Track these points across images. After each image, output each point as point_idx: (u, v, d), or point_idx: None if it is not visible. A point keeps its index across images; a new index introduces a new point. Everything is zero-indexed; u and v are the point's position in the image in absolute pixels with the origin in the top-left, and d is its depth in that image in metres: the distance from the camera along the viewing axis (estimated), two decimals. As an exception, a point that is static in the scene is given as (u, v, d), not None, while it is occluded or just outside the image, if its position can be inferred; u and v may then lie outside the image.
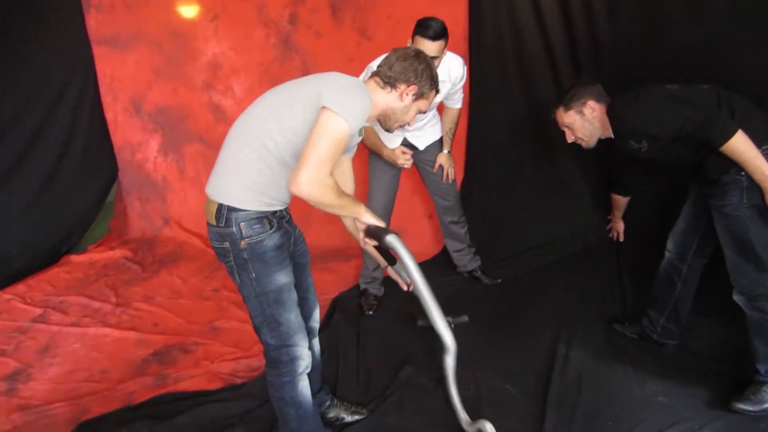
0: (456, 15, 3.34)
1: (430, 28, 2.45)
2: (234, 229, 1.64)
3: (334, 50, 3.83)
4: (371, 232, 1.75)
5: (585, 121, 2.31)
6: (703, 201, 2.20)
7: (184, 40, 4.04)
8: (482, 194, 3.53)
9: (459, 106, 2.95)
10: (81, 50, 4.05)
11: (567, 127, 2.37)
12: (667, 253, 2.44)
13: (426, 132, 2.94)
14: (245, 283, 1.71)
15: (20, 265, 3.67)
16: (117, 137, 4.30)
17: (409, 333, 2.65)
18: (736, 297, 2.14)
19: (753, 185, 1.95)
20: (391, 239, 1.67)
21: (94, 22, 4.02)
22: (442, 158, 3.02)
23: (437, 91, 1.85)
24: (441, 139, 3.01)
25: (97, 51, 4.09)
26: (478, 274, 3.27)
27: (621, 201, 2.82)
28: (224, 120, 4.02)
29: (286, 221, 1.79)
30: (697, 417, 2.07)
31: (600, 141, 2.36)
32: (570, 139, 2.39)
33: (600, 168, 3.20)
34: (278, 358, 1.76)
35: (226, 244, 1.67)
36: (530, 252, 3.39)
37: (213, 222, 1.68)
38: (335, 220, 3.73)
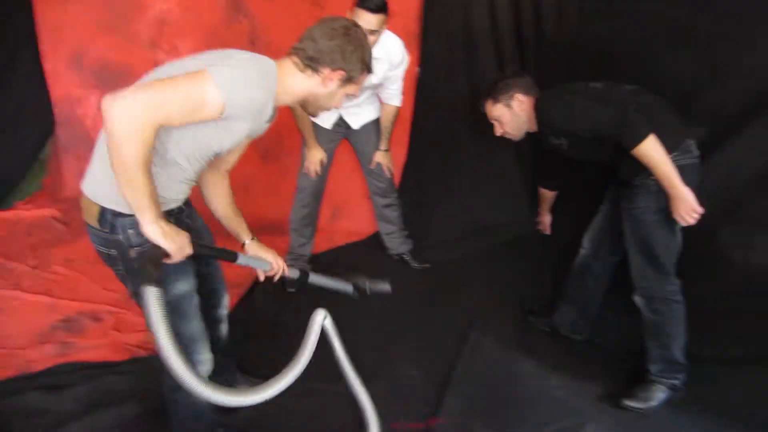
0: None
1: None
2: (121, 236, 1.43)
3: (284, 16, 3.71)
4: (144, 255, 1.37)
5: (512, 115, 2.32)
6: (618, 202, 2.25)
7: (131, -10, 3.85)
8: (420, 179, 3.56)
9: (397, 103, 2.93)
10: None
11: (495, 119, 2.37)
12: (581, 250, 2.50)
13: (363, 110, 2.91)
14: (139, 294, 1.34)
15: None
16: (55, 90, 4.10)
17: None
18: (635, 298, 2.22)
19: (661, 190, 1.99)
20: (146, 289, 1.28)
21: (33, -34, 3.79)
22: (380, 156, 3.04)
23: (370, 73, 1.62)
24: (377, 120, 2.99)
25: (36, -5, 3.86)
26: (408, 257, 3.30)
27: (548, 195, 2.87)
28: None
29: (185, 216, 1.64)
30: (586, 411, 2.16)
31: (531, 134, 2.37)
32: (498, 132, 2.40)
33: (533, 162, 3.24)
34: None
35: (114, 252, 1.47)
36: (461, 239, 3.43)
37: (96, 225, 1.46)
38: (275, 192, 3.74)
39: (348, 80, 1.55)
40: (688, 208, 1.96)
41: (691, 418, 2.11)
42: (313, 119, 2.74)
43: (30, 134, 4.12)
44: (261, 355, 2.42)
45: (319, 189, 2.98)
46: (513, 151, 3.33)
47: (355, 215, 3.71)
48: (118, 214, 1.44)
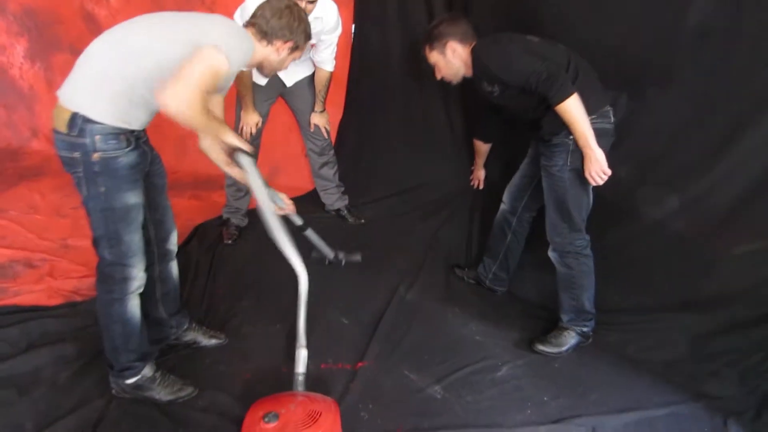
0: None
1: None
2: (87, 140, 1.62)
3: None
4: (231, 152, 1.83)
5: (447, 62, 2.37)
6: (537, 160, 2.37)
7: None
8: (356, 137, 3.63)
9: (330, 68, 3.00)
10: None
11: (433, 64, 2.43)
12: (501, 205, 2.65)
13: (295, 68, 2.98)
14: (92, 196, 1.69)
15: None
16: (-20, 37, 3.97)
17: (261, 264, 2.75)
18: (550, 253, 2.37)
19: (578, 149, 2.11)
20: (243, 159, 1.80)
21: None
22: (316, 117, 3.13)
23: (310, 40, 1.98)
24: (310, 76, 3.06)
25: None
26: (344, 213, 3.41)
27: (482, 148, 2.94)
28: (97, 30, 3.64)
29: (144, 141, 1.79)
30: (503, 355, 2.32)
31: (466, 84, 2.45)
32: (438, 76, 2.45)
33: (466, 119, 3.32)
34: (111, 275, 1.79)
35: (77, 155, 1.64)
36: (396, 196, 3.53)
37: (63, 130, 1.63)
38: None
39: (295, 48, 1.93)
40: (598, 168, 2.09)
41: (597, 360, 2.30)
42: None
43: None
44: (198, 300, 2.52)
45: (254, 147, 3.03)
46: (444, 111, 3.40)
47: (292, 172, 3.78)
48: (89, 120, 1.61)
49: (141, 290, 1.88)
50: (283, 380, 1.96)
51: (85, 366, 2.02)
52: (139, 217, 1.78)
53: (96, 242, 1.78)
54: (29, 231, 3.00)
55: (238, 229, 3.10)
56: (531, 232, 2.67)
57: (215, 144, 1.91)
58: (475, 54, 2.28)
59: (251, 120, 2.91)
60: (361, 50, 3.47)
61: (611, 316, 2.51)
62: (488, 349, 2.35)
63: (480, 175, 3.11)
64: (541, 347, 2.35)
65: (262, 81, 2.88)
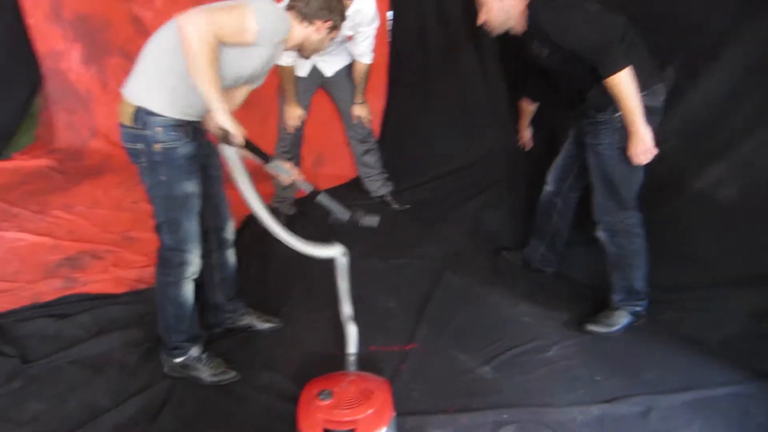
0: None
1: None
2: (150, 132, 1.72)
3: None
4: (221, 137, 1.73)
5: (501, 8, 2.17)
6: (581, 140, 2.34)
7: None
8: (399, 123, 3.65)
9: (368, 60, 3.04)
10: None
11: (483, 4, 2.22)
12: (546, 186, 2.62)
13: (334, 58, 3.05)
14: (154, 185, 1.81)
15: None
16: (40, 44, 4.19)
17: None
18: (599, 233, 2.33)
19: (624, 127, 2.05)
20: (227, 150, 1.87)
21: None
22: (357, 109, 3.18)
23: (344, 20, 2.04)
24: (349, 66, 3.11)
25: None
26: (389, 198, 3.45)
27: (528, 108, 2.83)
28: (144, 32, 3.90)
29: (201, 134, 1.89)
30: (552, 335, 2.32)
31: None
32: (480, 19, 2.26)
33: (507, 101, 3.28)
34: (170, 259, 1.91)
35: (140, 146, 1.75)
36: (439, 180, 3.54)
37: (128, 123, 1.74)
38: (258, 138, 3.82)
39: (333, 28, 1.96)
40: (644, 147, 2.03)
41: (651, 340, 2.27)
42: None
43: (20, 88, 4.24)
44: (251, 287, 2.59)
45: (297, 138, 3.14)
46: (485, 94, 3.38)
47: (337, 160, 3.83)
48: (151, 113, 1.72)
49: (195, 276, 1.99)
50: (334, 362, 2.03)
51: (150, 349, 2.15)
52: (196, 205, 1.89)
53: (158, 228, 1.90)
54: (94, 225, 3.19)
55: (287, 217, 3.19)
56: (580, 211, 2.61)
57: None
58: (532, 9, 2.13)
59: (294, 113, 2.98)
60: (399, 37, 3.49)
61: (664, 293, 2.46)
62: (537, 330, 2.36)
63: (526, 135, 2.97)
64: (591, 327, 2.33)
65: (303, 72, 2.95)
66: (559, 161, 2.56)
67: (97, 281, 2.62)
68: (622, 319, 2.33)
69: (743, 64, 2.21)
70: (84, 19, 4.09)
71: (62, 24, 4.12)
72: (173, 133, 1.75)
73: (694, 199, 2.48)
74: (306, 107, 3.08)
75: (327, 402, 1.60)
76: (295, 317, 2.43)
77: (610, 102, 2.06)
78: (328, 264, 2.06)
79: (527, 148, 3.04)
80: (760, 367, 2.06)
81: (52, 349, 2.15)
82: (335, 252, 2.00)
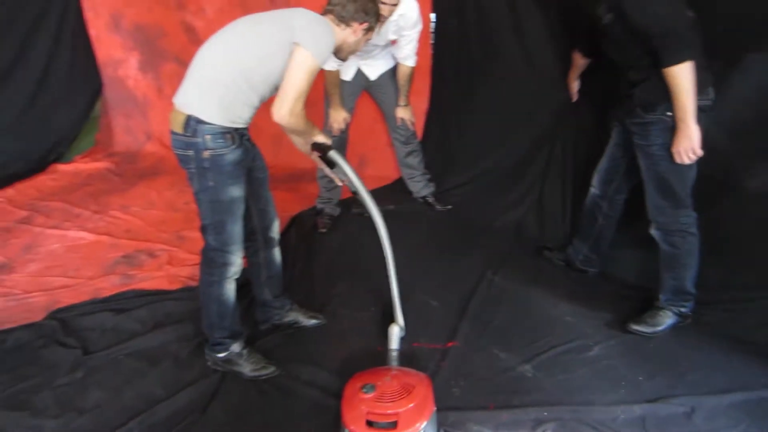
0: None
1: None
2: (200, 139, 1.81)
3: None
4: (318, 146, 2.04)
5: None
6: (625, 142, 2.32)
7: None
8: (441, 124, 3.68)
9: (411, 64, 3.09)
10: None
11: None
12: (591, 189, 2.60)
13: (377, 62, 3.12)
14: (202, 189, 1.89)
15: (10, 172, 3.93)
16: (100, 53, 4.44)
17: (353, 251, 2.90)
18: (653, 232, 2.28)
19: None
20: (332, 154, 2.02)
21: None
22: (401, 111, 3.23)
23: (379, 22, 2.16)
24: (393, 69, 3.17)
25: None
26: (431, 200, 3.48)
27: (580, 61, 2.72)
28: (197, 41, 4.07)
29: (246, 139, 1.98)
30: (595, 335, 2.31)
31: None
32: None
33: (550, 103, 3.25)
34: (213, 259, 2.00)
35: (190, 152, 1.84)
36: (481, 181, 3.55)
37: (179, 131, 1.84)
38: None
39: (369, 29, 2.04)
40: (690, 146, 2.00)
41: (697, 340, 2.24)
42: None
43: (82, 95, 4.49)
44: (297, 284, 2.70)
45: (342, 140, 3.21)
46: (529, 95, 3.34)
47: (379, 162, 3.90)
48: (200, 122, 1.81)
49: (237, 276, 2.06)
50: (378, 358, 2.08)
51: (201, 344, 2.22)
52: (241, 209, 1.97)
53: (203, 229, 1.99)
54: (149, 225, 3.35)
55: (332, 218, 3.27)
56: (626, 212, 2.58)
57: (300, 139, 2.09)
58: None
59: (339, 117, 3.05)
60: (441, 39, 3.51)
61: (712, 294, 2.42)
62: (579, 330, 2.35)
63: (574, 87, 2.87)
64: (635, 327, 2.30)
65: (347, 76, 3.03)
66: (603, 164, 2.52)
67: (153, 278, 2.75)
68: (667, 319, 2.30)
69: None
70: (141, 29, 4.30)
71: (121, 33, 4.35)
72: (221, 140, 1.82)
73: (744, 197, 2.42)
74: (351, 110, 3.16)
75: (370, 395, 1.65)
76: (339, 314, 2.49)
77: (659, 100, 2.03)
78: (371, 262, 2.10)
79: (574, 100, 2.93)
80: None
81: (111, 342, 2.28)
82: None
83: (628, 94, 2.17)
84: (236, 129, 1.88)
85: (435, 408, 1.71)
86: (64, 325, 2.36)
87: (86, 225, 3.34)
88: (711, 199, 2.45)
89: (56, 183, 3.96)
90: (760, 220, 2.40)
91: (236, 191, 1.92)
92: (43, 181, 3.98)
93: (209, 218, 1.94)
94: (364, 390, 1.66)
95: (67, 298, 2.58)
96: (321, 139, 2.03)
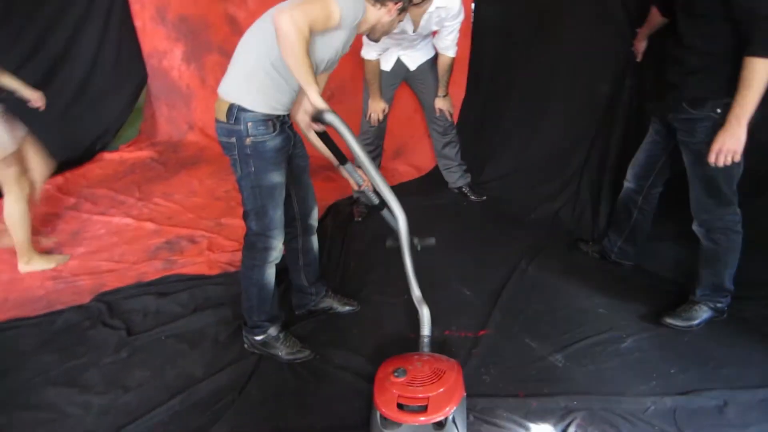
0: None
1: None
2: (242, 127, 1.86)
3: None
4: (315, 115, 1.83)
5: None
6: (664, 138, 2.28)
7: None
8: (478, 116, 3.68)
9: (452, 54, 3.09)
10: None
11: None
12: (625, 183, 2.57)
13: (417, 53, 3.14)
14: (244, 175, 1.93)
15: (60, 161, 4.07)
16: (145, 44, 4.58)
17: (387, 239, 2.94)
18: (695, 227, 2.23)
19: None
20: (330, 117, 1.78)
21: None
22: (440, 102, 3.25)
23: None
24: (432, 59, 3.18)
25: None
26: (467, 190, 3.50)
27: (656, 19, 2.49)
28: (239, 32, 4.03)
29: (288, 126, 2.03)
30: (627, 327, 2.30)
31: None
32: None
33: (589, 95, 3.22)
34: (255, 244, 2.06)
35: (233, 140, 1.89)
36: (517, 173, 3.54)
37: (223, 119, 1.89)
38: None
39: (402, 9, 2.03)
40: (734, 148, 1.91)
41: (731, 335, 2.21)
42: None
43: (127, 85, 4.65)
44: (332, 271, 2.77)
45: (381, 130, 3.24)
46: (568, 87, 3.31)
47: (416, 152, 3.94)
48: (242, 109, 1.86)
49: (277, 261, 2.12)
50: (409, 344, 2.12)
51: (240, 327, 2.30)
52: (281, 194, 2.02)
53: (246, 215, 2.04)
54: (190, 212, 3.47)
55: (367, 207, 3.32)
56: (662, 205, 2.55)
57: (300, 105, 2.07)
58: None
59: (378, 107, 3.10)
60: (481, 29, 3.51)
61: (748, 290, 2.38)
62: (612, 322, 2.34)
63: (640, 47, 2.66)
64: (669, 321, 2.28)
65: (387, 67, 3.07)
66: (640, 158, 2.48)
67: (194, 263, 2.86)
68: (702, 313, 2.27)
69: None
70: (185, 20, 4.42)
71: (166, 25, 4.48)
72: (263, 127, 1.87)
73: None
74: (389, 100, 3.19)
75: (401, 379, 1.69)
76: (373, 301, 2.54)
77: (709, 95, 1.97)
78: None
79: (638, 59, 2.73)
80: None
81: (154, 324, 2.38)
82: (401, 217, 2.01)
83: (675, 84, 2.10)
84: (277, 116, 1.92)
85: (465, 394, 1.74)
86: (109, 307, 2.48)
87: (131, 212, 3.48)
88: (748, 191, 2.39)
89: (102, 171, 4.14)
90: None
91: (277, 177, 1.96)
92: (90, 169, 4.16)
93: (251, 204, 1.99)
94: (396, 374, 1.71)
95: (112, 282, 2.71)
96: (318, 99, 1.78)
